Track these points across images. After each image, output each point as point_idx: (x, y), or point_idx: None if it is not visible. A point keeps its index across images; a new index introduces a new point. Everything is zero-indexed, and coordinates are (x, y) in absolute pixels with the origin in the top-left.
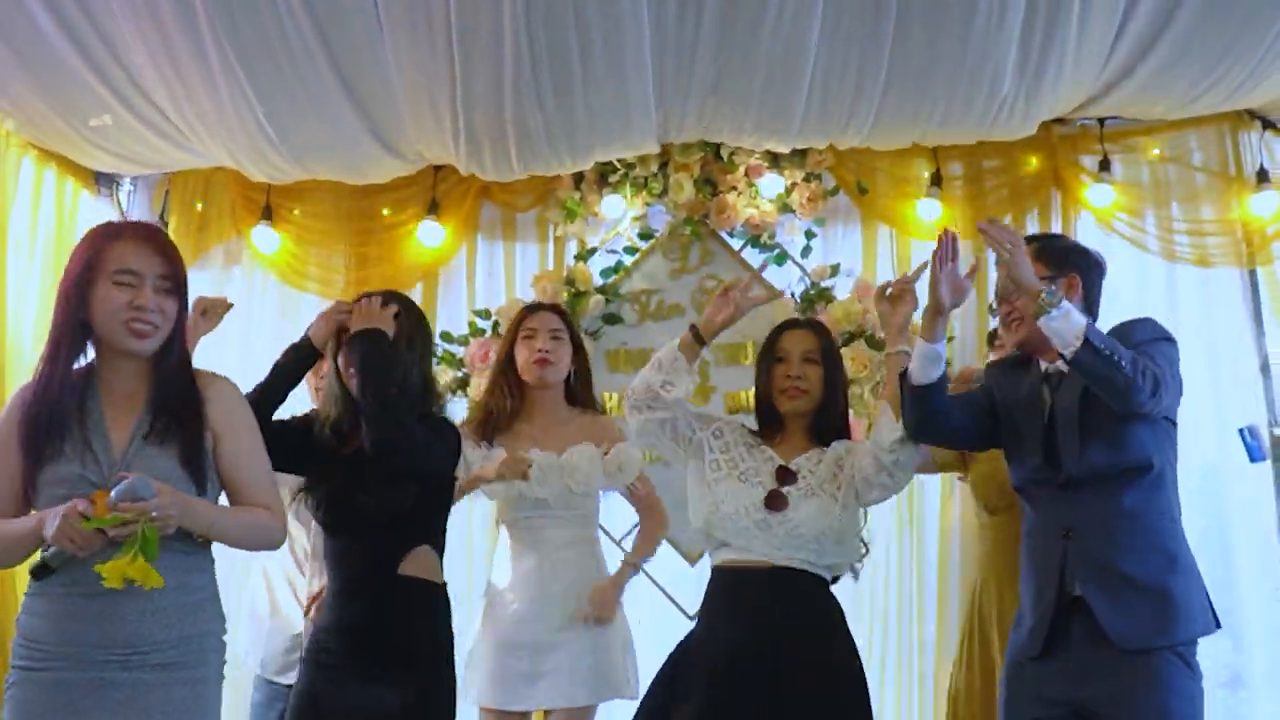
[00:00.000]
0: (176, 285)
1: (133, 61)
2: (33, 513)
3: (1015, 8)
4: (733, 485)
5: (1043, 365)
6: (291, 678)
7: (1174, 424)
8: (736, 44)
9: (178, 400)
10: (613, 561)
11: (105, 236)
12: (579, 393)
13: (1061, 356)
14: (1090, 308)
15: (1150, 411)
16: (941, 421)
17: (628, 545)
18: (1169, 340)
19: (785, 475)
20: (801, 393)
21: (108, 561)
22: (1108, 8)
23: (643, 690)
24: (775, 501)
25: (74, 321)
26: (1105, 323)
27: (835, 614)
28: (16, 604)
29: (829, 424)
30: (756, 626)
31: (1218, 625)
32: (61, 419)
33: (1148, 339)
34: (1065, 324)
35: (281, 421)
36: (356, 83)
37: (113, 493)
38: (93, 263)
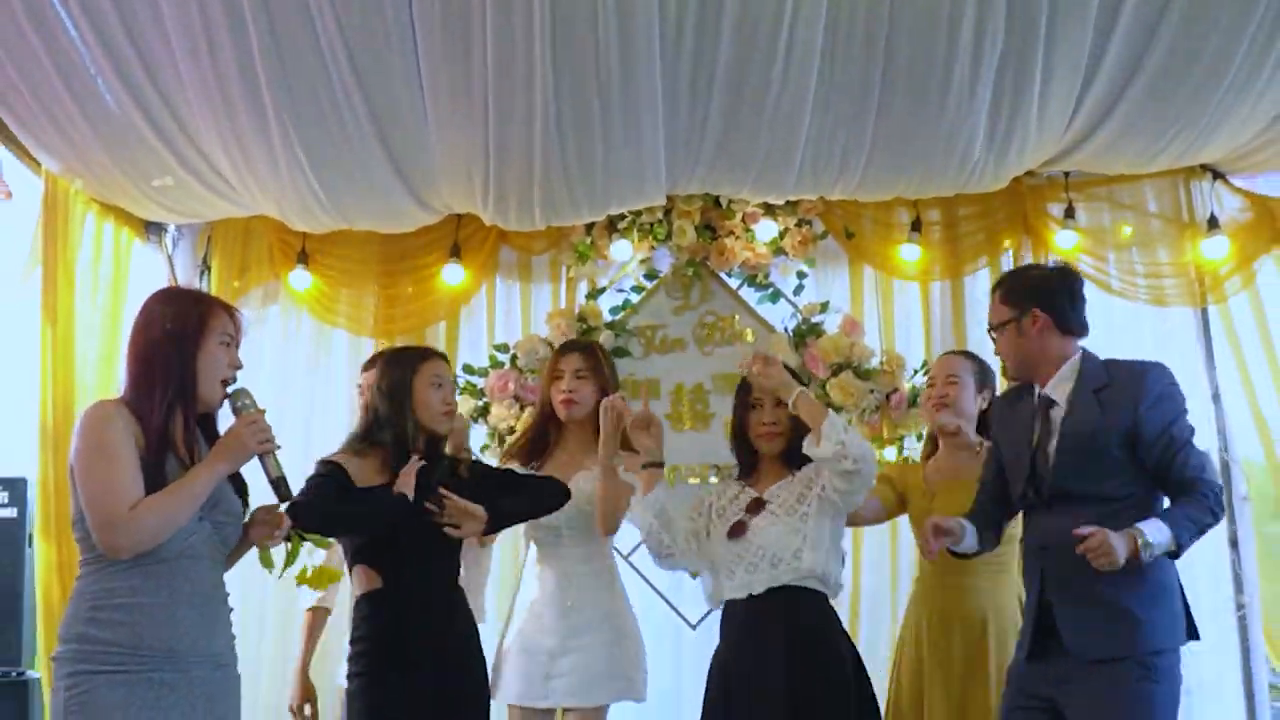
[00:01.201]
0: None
1: (198, 131)
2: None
3: (984, 85)
4: (717, 529)
5: (1037, 391)
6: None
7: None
8: (740, 120)
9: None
10: (625, 579)
11: (216, 306)
12: None
13: None
14: (1070, 327)
15: (1129, 490)
16: (995, 538)
17: (636, 560)
18: (1176, 387)
19: (756, 505)
20: (777, 435)
21: (307, 576)
22: (1067, 83)
23: (670, 685)
24: (736, 530)
25: (180, 369)
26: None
27: (825, 628)
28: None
29: (799, 449)
30: (746, 651)
31: (1191, 638)
32: (176, 463)
33: (1162, 395)
34: (1161, 548)
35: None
36: (399, 151)
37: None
38: (202, 324)
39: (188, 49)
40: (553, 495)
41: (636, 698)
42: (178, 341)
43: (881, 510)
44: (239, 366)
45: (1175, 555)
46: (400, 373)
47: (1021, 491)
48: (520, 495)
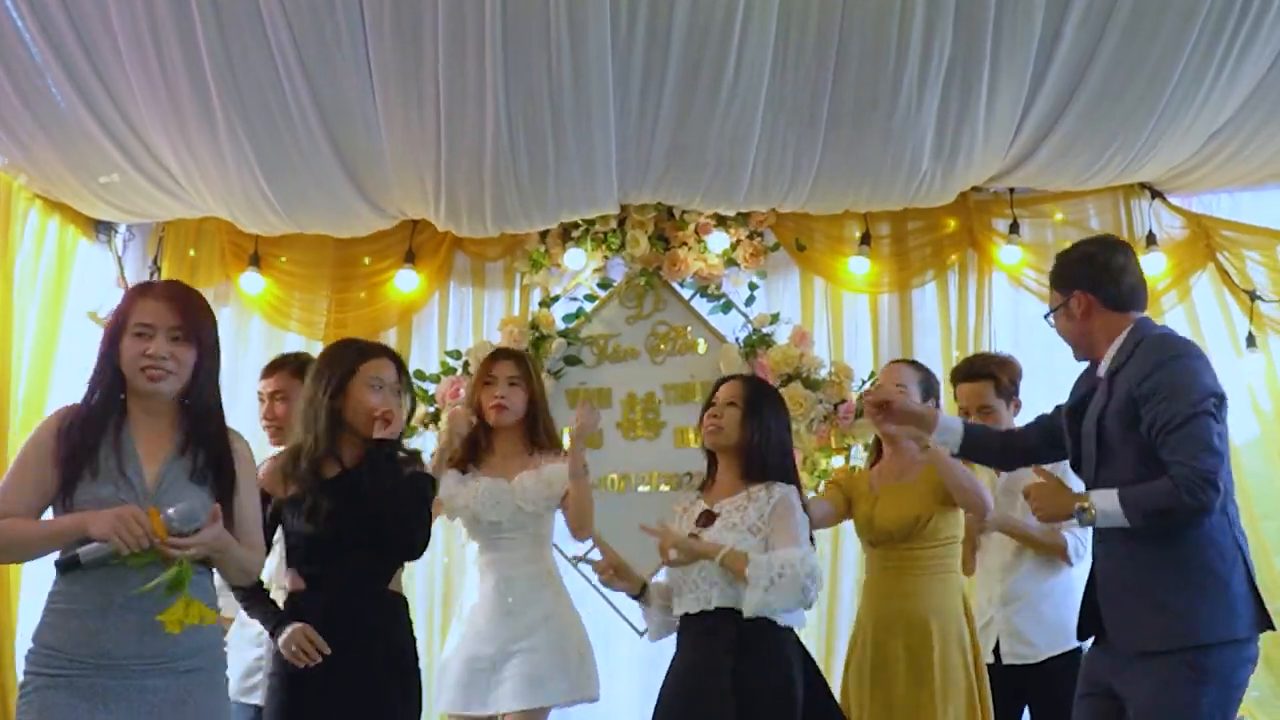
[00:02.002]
0: (189, 335)
1: (146, 129)
2: (63, 517)
3: (931, 98)
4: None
5: (1100, 368)
6: (254, 698)
7: (1222, 436)
8: (690, 132)
9: (215, 444)
10: (567, 580)
11: (134, 295)
12: (538, 433)
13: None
14: (1118, 302)
15: (1219, 502)
16: (1005, 457)
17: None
18: (1184, 359)
19: (706, 518)
20: (718, 429)
21: (165, 610)
22: (1011, 99)
23: (622, 691)
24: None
25: (107, 367)
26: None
27: (772, 646)
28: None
29: (754, 463)
30: (699, 656)
31: (1264, 628)
32: (95, 440)
33: (1160, 364)
34: (1110, 519)
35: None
36: (350, 154)
37: (172, 510)
38: (122, 318)
39: (134, 46)
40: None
41: (588, 698)
42: (108, 336)
43: (831, 514)
44: (156, 355)
45: (1142, 532)
46: (335, 372)
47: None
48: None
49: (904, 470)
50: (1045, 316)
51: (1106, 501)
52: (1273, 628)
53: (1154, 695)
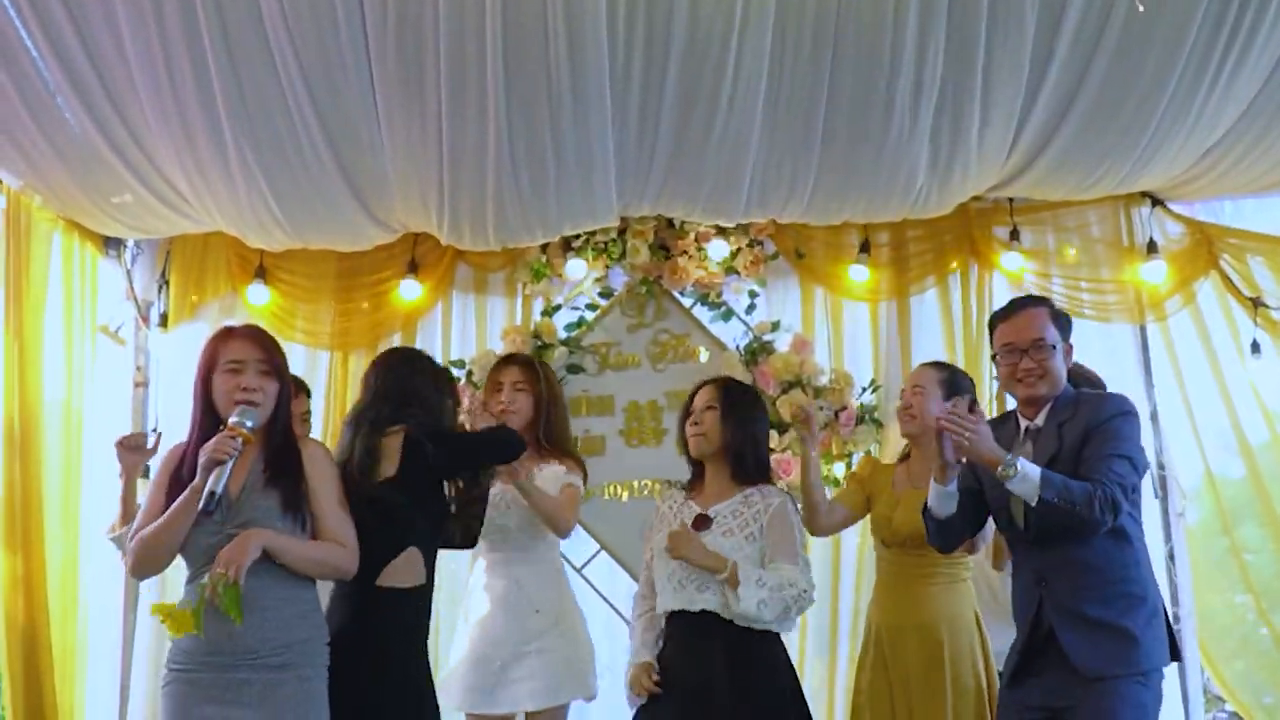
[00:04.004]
0: (272, 369)
1: (157, 152)
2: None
3: (925, 114)
4: (659, 540)
5: (1023, 423)
6: None
7: (1138, 492)
8: (688, 145)
9: (281, 458)
10: (574, 586)
11: (221, 338)
12: (550, 437)
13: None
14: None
15: (1110, 527)
16: (956, 537)
17: (590, 573)
18: (1130, 415)
19: (701, 521)
20: (700, 435)
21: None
22: (1005, 114)
23: (617, 684)
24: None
25: (203, 406)
26: None
27: (765, 650)
28: None
29: (742, 464)
30: (689, 654)
31: (1174, 658)
32: (195, 473)
33: (1110, 416)
34: (1026, 485)
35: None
36: (356, 175)
37: (235, 418)
38: (211, 359)
39: (147, 73)
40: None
41: (588, 696)
42: (200, 380)
43: (849, 517)
44: (251, 388)
45: (1036, 505)
46: None
47: (1007, 523)
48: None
49: (929, 475)
50: (1035, 343)
51: (1030, 469)
52: (1180, 659)
53: (1109, 708)
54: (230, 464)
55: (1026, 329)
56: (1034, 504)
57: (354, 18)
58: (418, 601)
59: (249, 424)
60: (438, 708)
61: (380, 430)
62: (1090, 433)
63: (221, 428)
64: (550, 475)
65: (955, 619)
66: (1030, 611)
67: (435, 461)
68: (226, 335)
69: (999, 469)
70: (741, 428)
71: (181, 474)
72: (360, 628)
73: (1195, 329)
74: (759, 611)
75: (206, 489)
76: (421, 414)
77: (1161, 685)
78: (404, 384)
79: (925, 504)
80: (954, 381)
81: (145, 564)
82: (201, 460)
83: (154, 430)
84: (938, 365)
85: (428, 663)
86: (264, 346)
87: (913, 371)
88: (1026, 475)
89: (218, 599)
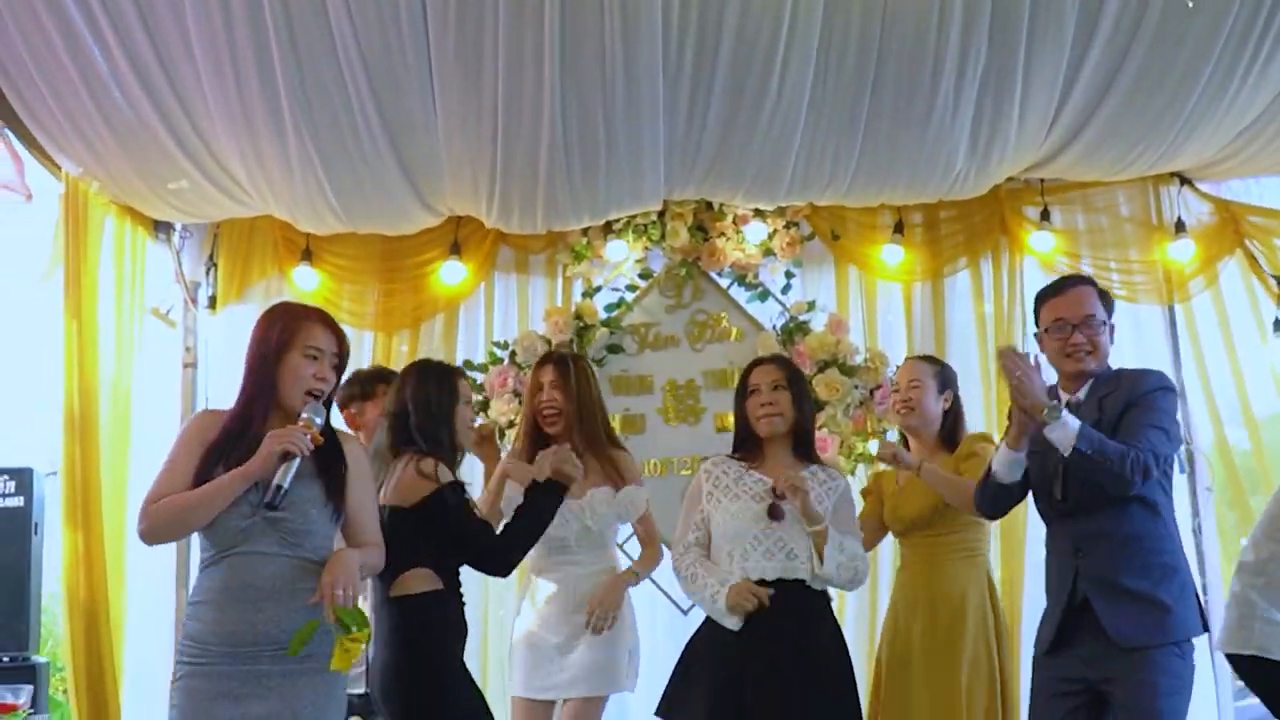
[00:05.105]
0: (340, 366)
1: (216, 139)
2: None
3: (967, 101)
4: (729, 504)
5: (1064, 397)
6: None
7: (1170, 464)
8: (736, 133)
9: (327, 451)
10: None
11: (303, 317)
12: (584, 437)
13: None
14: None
15: (1138, 492)
16: (1007, 505)
17: (629, 549)
18: (1170, 390)
19: (791, 488)
20: (776, 415)
21: (331, 658)
22: (1044, 99)
23: (639, 686)
24: (775, 512)
25: (265, 382)
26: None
27: (829, 619)
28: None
29: (804, 442)
30: (753, 633)
31: (1205, 629)
32: (241, 457)
33: (1150, 389)
34: (1063, 433)
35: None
36: (410, 162)
37: (305, 413)
38: (288, 336)
39: (211, 62)
40: None
41: (627, 689)
42: (264, 353)
43: (878, 530)
44: (324, 379)
45: (1068, 458)
46: None
47: (1048, 495)
48: None
49: (925, 461)
50: (1084, 321)
51: (1070, 419)
52: (1209, 630)
53: (1149, 676)
54: (299, 461)
55: (1079, 304)
56: (1067, 454)
57: (415, 6)
58: (435, 603)
59: (319, 421)
60: (476, 705)
61: (392, 451)
62: (1129, 405)
63: (298, 417)
64: (635, 498)
65: (969, 594)
66: (1066, 583)
67: (443, 528)
68: (305, 315)
69: (1043, 413)
70: (806, 406)
71: (222, 446)
72: (380, 635)
73: (1218, 306)
74: (837, 574)
75: (275, 482)
76: (429, 426)
77: (1194, 656)
78: (412, 397)
79: (989, 468)
80: (945, 375)
81: (164, 532)
82: (274, 449)
83: None
84: (929, 360)
85: (458, 657)
86: (340, 339)
87: (904, 364)
88: (1066, 424)
89: (347, 619)
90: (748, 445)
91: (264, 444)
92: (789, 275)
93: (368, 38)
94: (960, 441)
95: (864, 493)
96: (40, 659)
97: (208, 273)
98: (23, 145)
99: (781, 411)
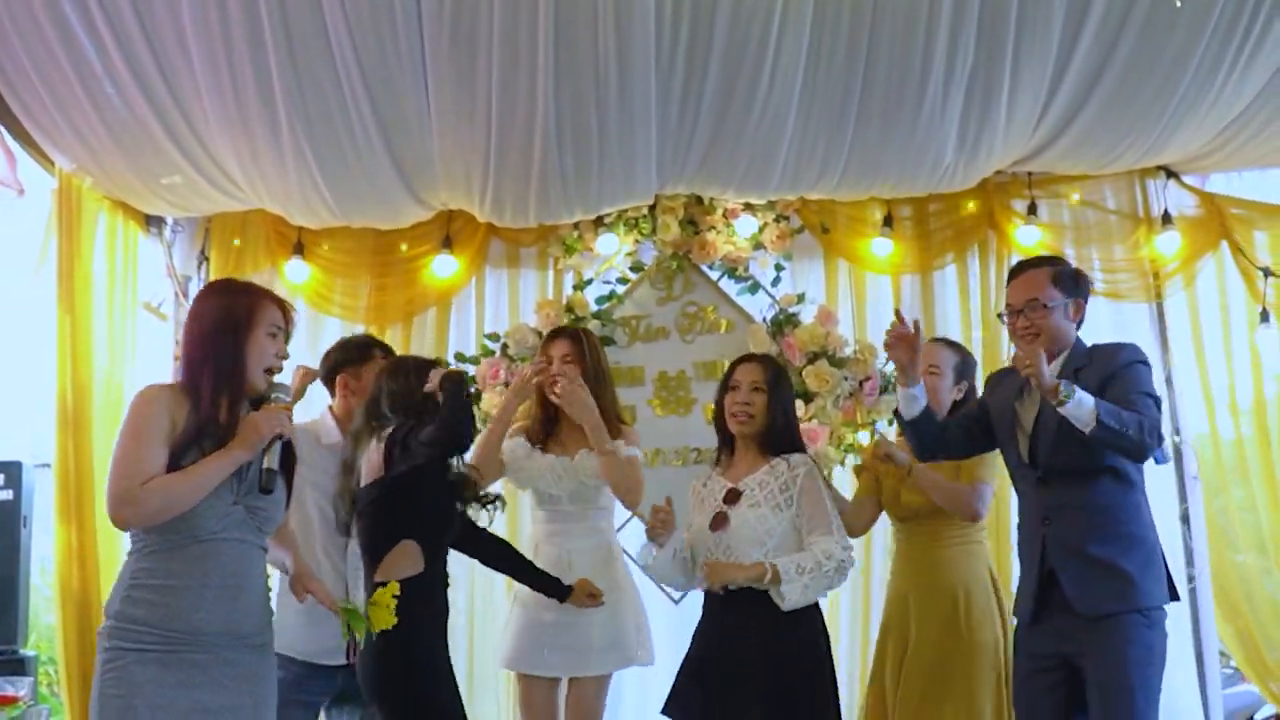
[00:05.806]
0: (286, 341)
1: (210, 136)
2: (206, 460)
3: (956, 96)
4: (696, 518)
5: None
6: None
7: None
8: (727, 128)
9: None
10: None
11: (261, 297)
12: (602, 407)
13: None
14: (1081, 321)
15: (1110, 463)
16: (936, 443)
17: (627, 532)
18: (1145, 364)
19: (731, 496)
20: (749, 417)
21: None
22: (1032, 94)
23: (657, 657)
24: (718, 523)
25: (235, 360)
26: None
27: (795, 625)
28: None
29: (777, 439)
30: (714, 641)
31: (1175, 598)
32: (215, 445)
33: (1128, 362)
34: (1080, 410)
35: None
36: (404, 157)
37: (275, 394)
38: (249, 315)
39: (206, 58)
40: None
41: (641, 663)
42: (228, 331)
43: (875, 507)
44: (285, 357)
45: (1090, 436)
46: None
47: (1015, 464)
48: None
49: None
50: (1026, 303)
51: (1084, 395)
52: (1179, 599)
53: (1117, 645)
54: (279, 444)
55: (1022, 289)
56: (1089, 431)
57: (410, 3)
58: (416, 590)
59: (286, 399)
60: (455, 690)
61: (361, 439)
62: (1107, 379)
63: (267, 397)
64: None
65: (971, 581)
66: (1035, 552)
67: (416, 448)
68: (263, 294)
69: (1058, 392)
70: (782, 407)
71: (200, 428)
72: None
73: (1206, 299)
74: (806, 597)
75: (265, 466)
76: (402, 411)
77: (1165, 624)
78: (384, 388)
79: (894, 410)
80: (965, 364)
81: (154, 516)
82: (266, 432)
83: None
84: (952, 346)
85: (439, 655)
86: (290, 319)
87: (925, 347)
88: (1081, 401)
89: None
90: (722, 436)
91: (251, 426)
92: (779, 268)
93: (362, 32)
94: None
95: (857, 469)
96: (29, 652)
97: (199, 267)
98: (16, 141)
99: (754, 413)
